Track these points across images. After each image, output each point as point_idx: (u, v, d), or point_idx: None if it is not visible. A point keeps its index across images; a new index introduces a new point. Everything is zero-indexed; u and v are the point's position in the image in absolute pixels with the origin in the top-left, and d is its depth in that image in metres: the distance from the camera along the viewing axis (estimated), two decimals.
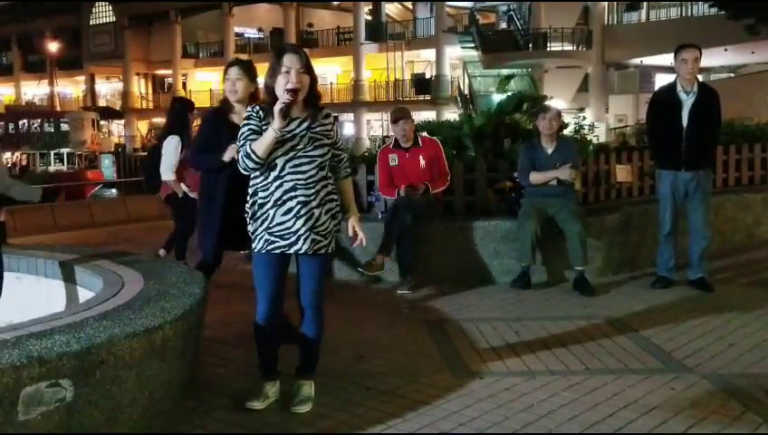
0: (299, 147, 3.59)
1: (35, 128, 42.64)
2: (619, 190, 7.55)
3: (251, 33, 46.01)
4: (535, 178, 6.31)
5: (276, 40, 42.14)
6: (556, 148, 6.34)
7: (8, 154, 42.13)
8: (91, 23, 49.48)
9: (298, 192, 3.59)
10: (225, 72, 4.67)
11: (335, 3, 43.41)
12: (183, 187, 7.07)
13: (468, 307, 5.76)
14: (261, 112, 3.64)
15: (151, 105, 49.43)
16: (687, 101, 5.98)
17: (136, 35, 47.41)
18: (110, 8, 48.11)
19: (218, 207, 4.64)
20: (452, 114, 29.27)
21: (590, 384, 4.06)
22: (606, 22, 32.95)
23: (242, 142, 3.60)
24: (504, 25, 34.86)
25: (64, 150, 41.09)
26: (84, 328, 3.24)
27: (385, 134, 31.49)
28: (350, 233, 3.85)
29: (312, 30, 42.74)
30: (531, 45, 31.52)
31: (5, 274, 5.37)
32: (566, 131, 7.87)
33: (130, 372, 3.22)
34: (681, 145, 5.99)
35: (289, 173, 3.59)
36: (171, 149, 7.04)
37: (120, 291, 3.95)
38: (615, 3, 32.92)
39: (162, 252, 7.41)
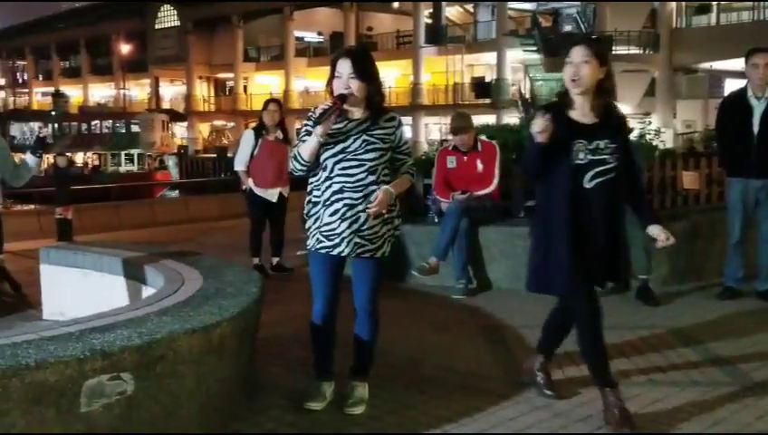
0: (349, 149, 3.57)
1: (107, 128, 43.73)
2: (685, 197, 7.35)
3: (311, 36, 46.50)
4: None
5: (336, 44, 42.51)
6: None
7: (81, 153, 43.38)
8: (156, 27, 50.66)
9: (345, 194, 3.57)
10: (568, 57, 3.59)
11: (395, 5, 43.52)
12: (250, 182, 7.24)
13: (525, 314, 5.66)
14: (317, 113, 3.65)
15: (213, 108, 50.33)
16: (758, 107, 5.79)
17: (199, 39, 48.39)
18: (175, 12, 49.17)
19: (561, 227, 3.56)
20: (512, 118, 29.01)
21: (652, 396, 3.95)
22: (674, 25, 32.24)
23: (295, 143, 3.64)
24: (566, 27, 34.43)
25: (135, 151, 42.00)
26: (145, 323, 3.30)
27: (443, 138, 31.40)
28: (372, 197, 3.58)
29: (371, 33, 42.97)
30: None
31: (73, 270, 5.54)
32: (630, 136, 7.70)
33: (189, 367, 3.27)
34: (751, 152, 5.80)
35: (338, 175, 3.58)
36: (245, 143, 7.27)
37: (180, 288, 4.02)
38: (684, 5, 32.19)
39: (274, 260, 7.46)
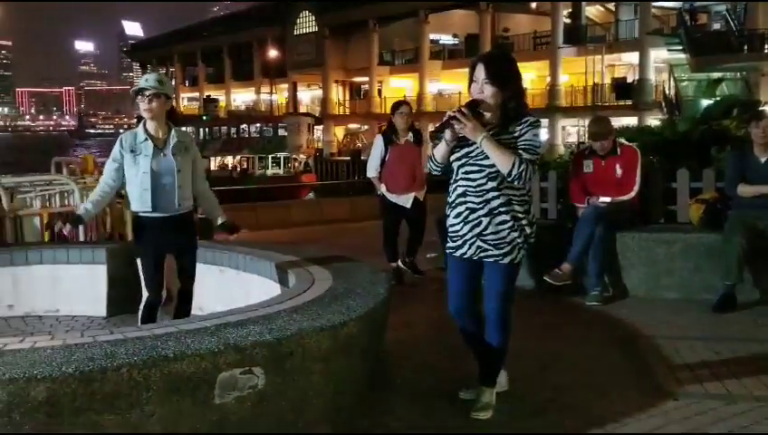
0: (472, 154, 3.60)
1: (255, 132, 45.16)
2: None
3: (446, 39, 46.51)
4: (744, 190, 5.83)
5: (471, 45, 42.34)
6: None
7: (230, 157, 45.10)
8: (294, 33, 52.26)
9: (467, 198, 3.62)
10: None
11: (533, 5, 42.84)
12: (382, 187, 7.13)
13: (663, 324, 5.42)
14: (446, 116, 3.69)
15: (347, 111, 51.34)
16: None
17: (335, 44, 49.47)
18: (313, 18, 50.55)
19: None
20: (655, 120, 27.90)
21: None
22: None
23: (434, 144, 3.70)
24: (715, 25, 32.72)
25: (281, 154, 43.16)
26: (276, 320, 3.40)
27: (580, 140, 30.62)
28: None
29: (507, 35, 42.49)
30: (746, 47, 29.32)
31: (212, 267, 5.78)
32: None
33: (317, 364, 3.34)
34: None
35: (461, 179, 3.64)
36: (375, 149, 7.20)
37: (311, 287, 4.11)
38: None
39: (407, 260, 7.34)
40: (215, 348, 3.00)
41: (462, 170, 3.63)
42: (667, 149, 7.27)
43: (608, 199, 6.24)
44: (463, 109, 3.50)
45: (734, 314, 5.62)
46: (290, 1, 52.41)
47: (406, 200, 7.06)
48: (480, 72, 3.54)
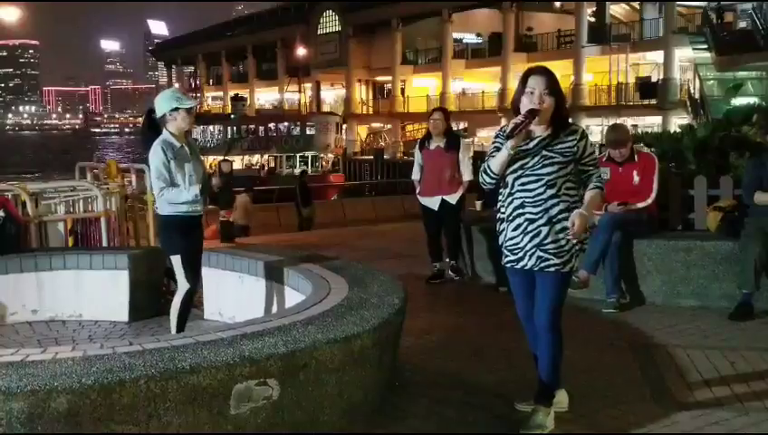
0: (528, 165, 3.65)
1: (283, 131, 45.21)
2: None
3: (469, 38, 46.41)
4: (760, 199, 5.80)
5: (494, 44, 42.24)
6: None
7: (257, 156, 45.16)
8: (318, 32, 52.37)
9: (525, 209, 3.67)
10: None
11: (557, 4, 42.63)
12: (417, 189, 7.43)
13: (679, 332, 5.43)
14: (507, 130, 3.74)
15: (371, 111, 51.37)
16: None
17: (359, 43, 49.55)
18: (337, 18, 50.64)
19: None
20: (680, 119, 27.66)
21: None
22: None
23: (486, 158, 3.76)
24: (741, 24, 32.34)
25: (309, 154, 43.19)
26: (291, 332, 3.46)
27: (601, 142, 30.42)
28: (569, 223, 3.66)
29: (531, 34, 42.34)
30: None
31: (231, 273, 5.87)
32: None
33: (331, 376, 3.40)
34: None
35: (518, 191, 3.69)
36: (415, 153, 7.50)
37: (326, 297, 4.18)
38: None
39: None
40: (230, 360, 3.08)
41: (518, 182, 3.67)
42: (686, 155, 7.24)
43: (636, 207, 6.26)
44: (527, 114, 3.58)
45: (751, 323, 5.60)
46: (313, 0, 52.57)
47: (434, 203, 7.27)
48: (539, 83, 3.62)
